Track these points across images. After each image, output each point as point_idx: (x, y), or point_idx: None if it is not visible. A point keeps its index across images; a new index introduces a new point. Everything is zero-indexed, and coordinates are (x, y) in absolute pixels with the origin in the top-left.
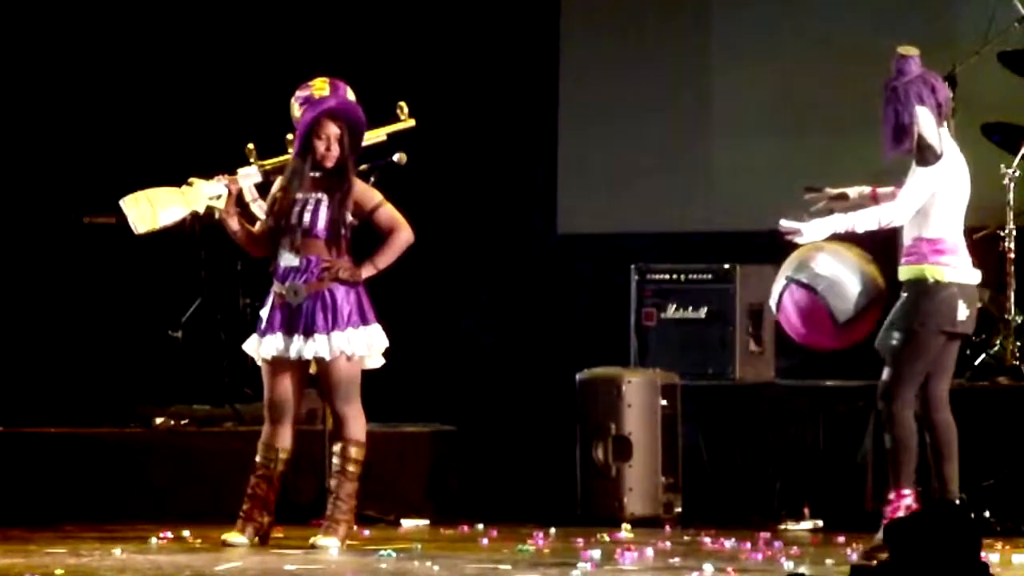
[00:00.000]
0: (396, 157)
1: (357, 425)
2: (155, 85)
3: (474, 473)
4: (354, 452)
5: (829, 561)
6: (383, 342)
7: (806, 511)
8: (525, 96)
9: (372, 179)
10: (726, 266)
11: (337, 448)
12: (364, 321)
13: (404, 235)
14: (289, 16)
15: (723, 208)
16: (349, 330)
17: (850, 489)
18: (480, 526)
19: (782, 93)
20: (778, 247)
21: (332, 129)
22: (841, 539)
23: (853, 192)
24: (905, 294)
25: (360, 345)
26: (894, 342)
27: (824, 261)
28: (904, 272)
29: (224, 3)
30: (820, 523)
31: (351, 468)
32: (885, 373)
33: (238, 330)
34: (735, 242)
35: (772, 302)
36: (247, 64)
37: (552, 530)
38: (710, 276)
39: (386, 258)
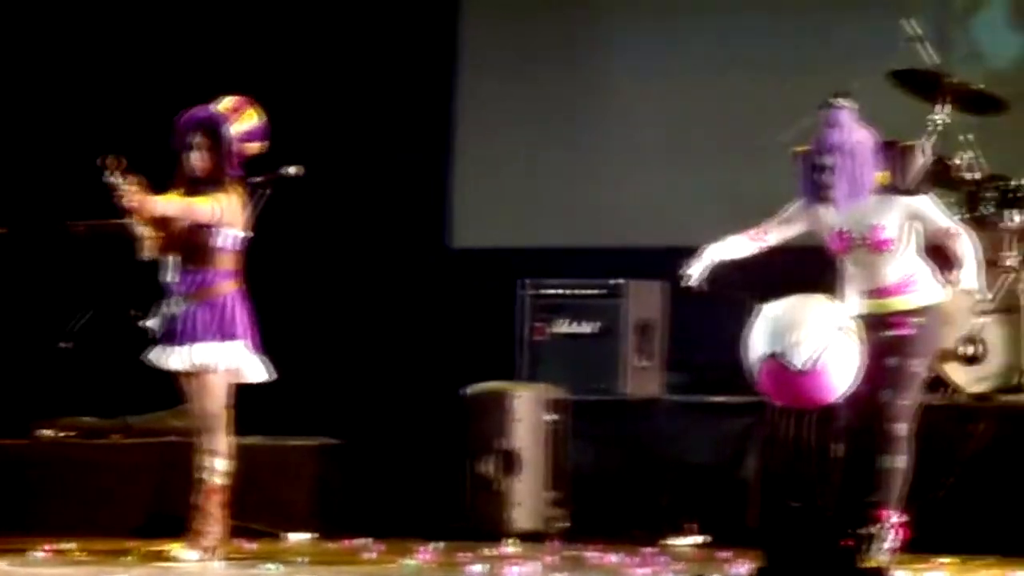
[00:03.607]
0: (291, 169)
1: (220, 438)
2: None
3: (361, 487)
4: (219, 464)
5: None
6: (248, 357)
7: (691, 526)
8: (419, 110)
9: (268, 191)
10: (616, 282)
11: (202, 461)
12: (228, 335)
13: (198, 206)
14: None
15: (614, 224)
16: (211, 343)
17: (735, 505)
18: (366, 540)
19: (675, 111)
20: (667, 263)
21: (198, 139)
22: (725, 554)
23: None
24: (922, 319)
25: (222, 359)
26: (916, 368)
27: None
28: (915, 300)
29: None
30: (705, 538)
31: (216, 481)
32: (901, 396)
33: (131, 341)
34: (625, 258)
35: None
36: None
37: (438, 544)
38: (600, 291)
39: (174, 206)
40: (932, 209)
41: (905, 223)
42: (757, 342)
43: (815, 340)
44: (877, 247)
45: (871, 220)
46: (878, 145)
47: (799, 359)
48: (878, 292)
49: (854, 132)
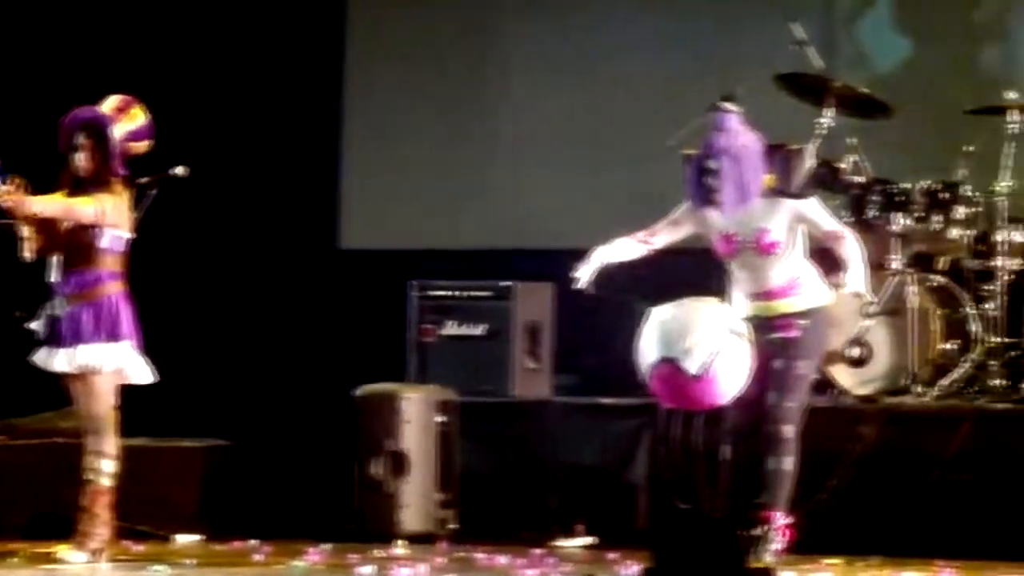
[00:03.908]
0: (178, 169)
1: (107, 439)
2: None
3: (249, 488)
4: (106, 466)
5: None
6: (134, 359)
7: (580, 528)
8: (307, 109)
9: (153, 191)
10: (505, 283)
11: (89, 462)
12: (113, 336)
13: (79, 207)
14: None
15: (503, 226)
16: (95, 345)
17: (623, 506)
18: (255, 542)
19: (564, 114)
20: (556, 265)
21: (82, 139)
22: (613, 556)
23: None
24: (807, 322)
25: (107, 360)
26: (802, 371)
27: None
28: (800, 302)
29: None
30: (593, 540)
31: (103, 482)
32: (787, 398)
33: (16, 342)
34: (514, 260)
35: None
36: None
37: (327, 546)
38: (489, 293)
39: (54, 206)
40: (818, 212)
41: (791, 226)
42: (649, 348)
43: (707, 345)
44: (764, 250)
45: (758, 223)
46: (765, 149)
47: (692, 365)
48: (764, 295)
49: (740, 136)
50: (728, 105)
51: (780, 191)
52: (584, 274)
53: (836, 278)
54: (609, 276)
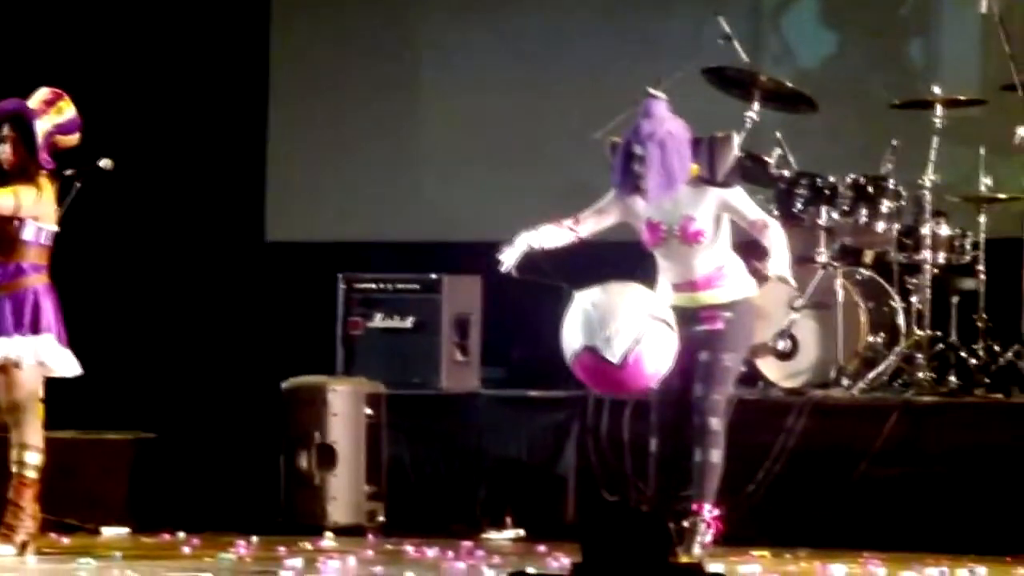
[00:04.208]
0: (103, 162)
1: (32, 431)
2: None
3: (177, 481)
4: (31, 458)
5: (530, 570)
6: (58, 351)
7: (508, 520)
8: (233, 101)
9: (78, 184)
10: (433, 276)
11: (14, 455)
12: (36, 329)
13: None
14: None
15: (431, 218)
16: (16, 337)
17: (552, 499)
18: (182, 534)
19: (491, 106)
20: (484, 258)
21: (6, 131)
22: (542, 548)
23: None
24: (731, 314)
25: (31, 353)
26: (728, 363)
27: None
28: (724, 294)
29: None
30: (522, 532)
31: (28, 474)
32: (714, 390)
33: None
34: (442, 252)
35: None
36: None
37: (255, 539)
38: (417, 286)
39: None
40: (743, 201)
41: (717, 215)
42: (572, 335)
43: (630, 332)
44: (689, 238)
45: (683, 211)
46: (691, 138)
47: (615, 353)
48: (688, 285)
49: (667, 122)
50: (655, 92)
51: (706, 179)
52: (509, 258)
53: (760, 265)
54: (534, 261)
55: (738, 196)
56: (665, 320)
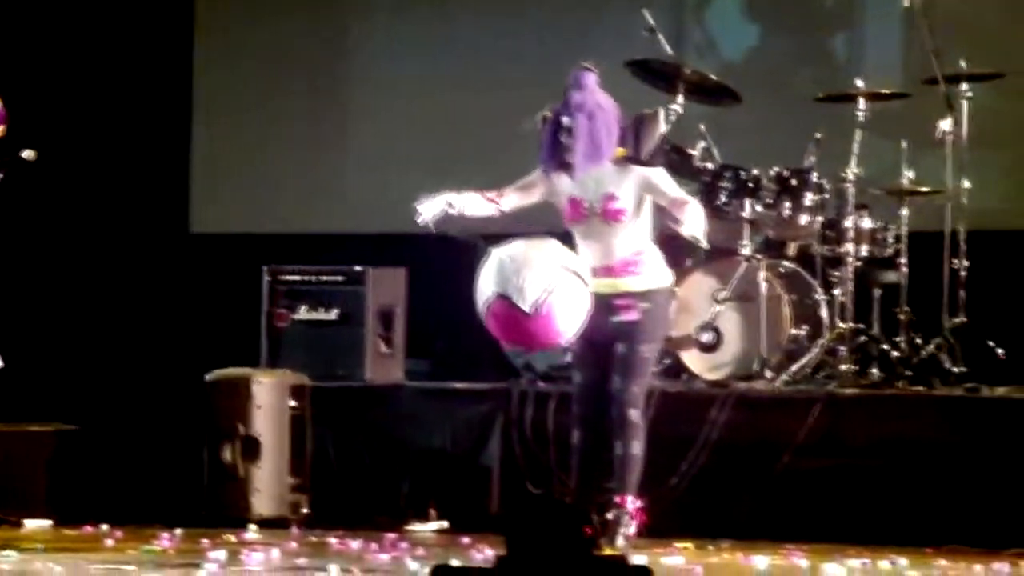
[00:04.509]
0: (26, 153)
1: None
2: None
3: (99, 473)
4: None
5: (454, 562)
6: None
7: (433, 512)
8: (157, 92)
9: (1, 175)
10: (357, 268)
11: None
12: None
13: None
14: None
15: (355, 211)
16: None
17: (476, 491)
18: (105, 527)
19: (416, 99)
20: (409, 251)
21: None
22: (466, 540)
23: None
24: (648, 304)
25: None
26: (646, 354)
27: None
28: (641, 282)
29: None
30: (446, 524)
31: None
32: (632, 383)
33: None
34: (367, 245)
35: (481, 310)
36: None
37: (178, 531)
38: (341, 278)
39: None
40: (666, 180)
41: (639, 195)
42: (486, 283)
43: (542, 282)
44: (610, 216)
45: (605, 189)
46: (619, 117)
47: (526, 301)
48: (605, 270)
49: (597, 95)
50: (587, 64)
51: (630, 158)
52: (428, 212)
53: (675, 222)
54: (452, 221)
55: (661, 175)
56: (580, 275)
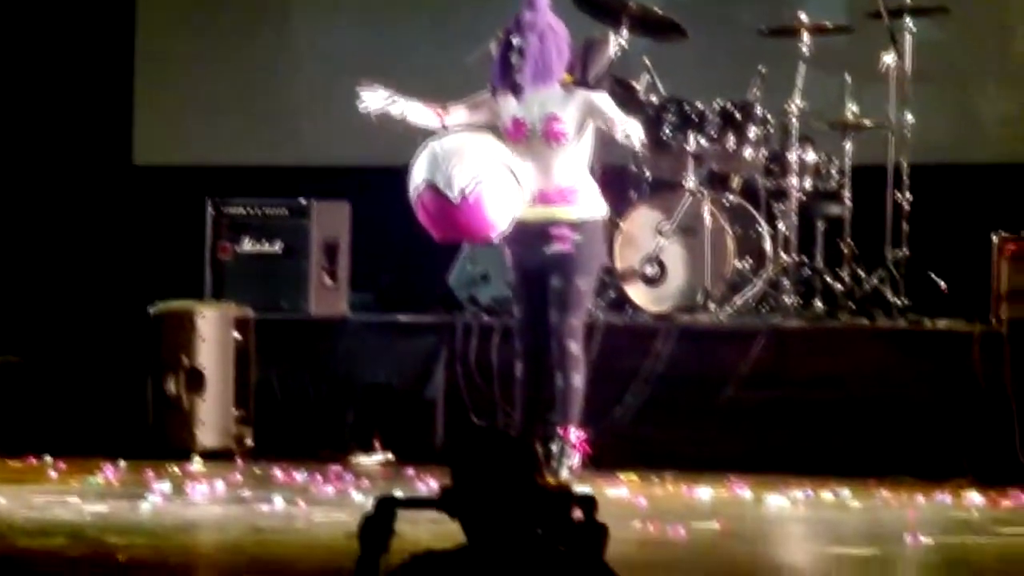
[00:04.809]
0: None
1: None
2: None
3: (43, 405)
4: None
5: (399, 493)
6: None
7: (377, 444)
8: (99, 22)
9: None
10: (302, 201)
11: None
12: None
13: None
14: None
15: (300, 143)
16: None
17: (420, 423)
18: (49, 458)
19: (362, 31)
20: (352, 184)
21: None
22: (411, 472)
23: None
24: (581, 236)
25: None
26: (581, 286)
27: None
28: (576, 212)
29: None
30: (391, 456)
31: None
32: (570, 315)
33: None
34: (311, 177)
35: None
36: None
37: (122, 462)
38: (285, 211)
39: None
40: (608, 104)
41: (582, 119)
42: (417, 172)
43: (471, 171)
44: (550, 137)
45: (549, 110)
46: (569, 42)
47: (453, 189)
48: (542, 196)
49: (548, 16)
50: None
51: (577, 82)
52: (372, 102)
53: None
54: (394, 122)
55: (604, 99)
56: (513, 171)
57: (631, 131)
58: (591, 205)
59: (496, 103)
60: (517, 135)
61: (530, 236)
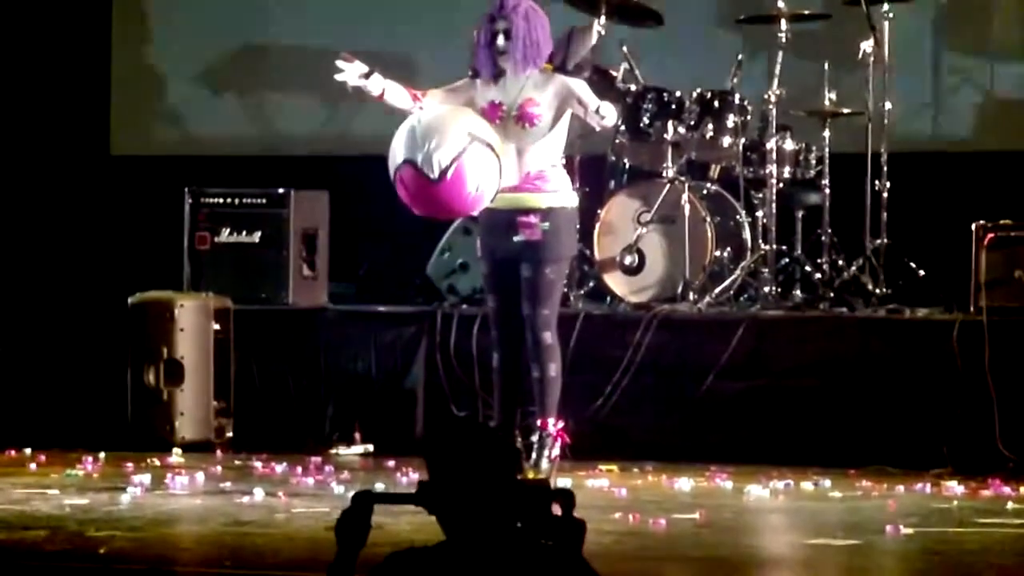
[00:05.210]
0: None
1: None
2: None
3: (22, 397)
4: None
5: (379, 485)
6: None
7: (357, 436)
8: (76, 12)
9: None
10: (280, 191)
11: None
12: None
13: None
14: None
15: (278, 133)
16: None
17: (400, 415)
18: (28, 451)
19: (341, 20)
20: (331, 174)
21: None
22: (391, 463)
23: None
24: (548, 224)
25: None
26: (551, 276)
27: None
28: (545, 199)
29: None
30: (371, 448)
31: None
32: (541, 306)
33: None
34: (289, 167)
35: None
36: None
37: (102, 455)
38: (264, 201)
39: None
40: (585, 90)
41: (558, 105)
42: (396, 150)
43: (451, 147)
44: (525, 119)
45: (526, 93)
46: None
47: (433, 167)
48: (512, 185)
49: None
50: None
51: (557, 69)
52: (350, 73)
53: (587, 111)
54: (369, 97)
55: (581, 85)
56: (491, 145)
57: (605, 111)
58: (560, 194)
59: (474, 87)
60: (492, 117)
61: (499, 225)
